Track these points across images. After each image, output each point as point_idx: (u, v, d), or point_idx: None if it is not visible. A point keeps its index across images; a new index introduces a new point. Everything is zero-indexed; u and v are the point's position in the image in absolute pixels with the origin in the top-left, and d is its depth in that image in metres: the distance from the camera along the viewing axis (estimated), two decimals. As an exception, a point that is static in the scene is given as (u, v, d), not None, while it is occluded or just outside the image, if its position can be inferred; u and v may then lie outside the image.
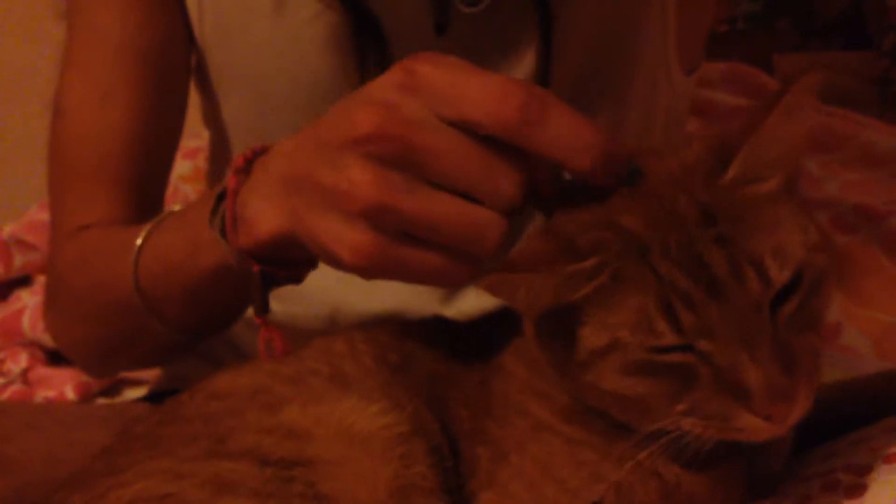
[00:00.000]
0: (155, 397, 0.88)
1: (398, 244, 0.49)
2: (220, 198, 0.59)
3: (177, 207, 0.70)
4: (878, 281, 0.97)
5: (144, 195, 0.81)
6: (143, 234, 0.68)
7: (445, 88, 0.47)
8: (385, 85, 0.49)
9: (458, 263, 0.49)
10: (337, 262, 0.51)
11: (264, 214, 0.55)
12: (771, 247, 0.44)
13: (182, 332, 0.70)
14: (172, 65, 0.82)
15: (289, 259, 0.57)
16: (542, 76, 0.75)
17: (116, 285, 0.70)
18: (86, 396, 1.01)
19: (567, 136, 0.46)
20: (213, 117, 0.88)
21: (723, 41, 1.52)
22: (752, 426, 0.44)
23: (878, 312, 0.94)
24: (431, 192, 0.48)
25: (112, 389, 1.05)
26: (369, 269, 0.50)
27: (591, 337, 0.46)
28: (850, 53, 1.62)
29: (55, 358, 1.08)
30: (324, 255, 0.52)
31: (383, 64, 0.74)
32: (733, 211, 0.45)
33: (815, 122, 1.11)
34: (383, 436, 0.49)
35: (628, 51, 0.80)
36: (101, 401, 1.02)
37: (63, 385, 1.02)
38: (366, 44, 0.74)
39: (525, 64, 0.75)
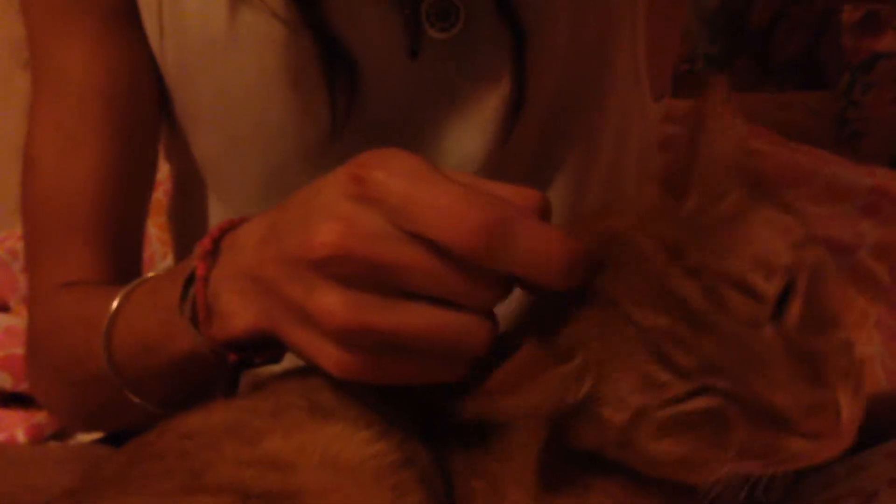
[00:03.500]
0: (112, 439, 0.84)
1: (382, 357, 0.47)
2: (189, 281, 0.56)
3: (150, 274, 0.67)
4: (848, 313, 0.98)
5: (120, 246, 0.78)
6: (114, 303, 0.64)
7: (401, 202, 0.44)
8: (339, 194, 0.46)
9: (448, 366, 0.47)
10: (321, 369, 0.49)
11: (238, 310, 0.52)
12: (751, 261, 0.42)
13: (161, 406, 0.66)
14: (141, 107, 0.79)
15: (265, 344, 0.54)
16: (517, 101, 0.74)
17: (90, 358, 0.66)
18: (37, 439, 0.97)
19: (534, 255, 0.43)
20: (177, 151, 0.85)
21: (683, 81, 1.55)
22: (806, 449, 0.41)
23: (848, 344, 0.95)
24: (407, 304, 0.45)
25: (63, 433, 1.01)
26: (358, 379, 0.48)
27: (613, 416, 0.44)
28: (807, 93, 1.66)
29: (5, 399, 1.03)
30: (307, 361, 0.50)
31: (353, 92, 0.73)
32: (701, 238, 0.43)
33: (782, 158, 1.13)
34: (374, 465, 0.47)
35: (602, 76, 0.79)
36: (53, 444, 0.98)
37: (14, 427, 0.97)
38: (335, 72, 0.72)
39: (500, 89, 0.74)
